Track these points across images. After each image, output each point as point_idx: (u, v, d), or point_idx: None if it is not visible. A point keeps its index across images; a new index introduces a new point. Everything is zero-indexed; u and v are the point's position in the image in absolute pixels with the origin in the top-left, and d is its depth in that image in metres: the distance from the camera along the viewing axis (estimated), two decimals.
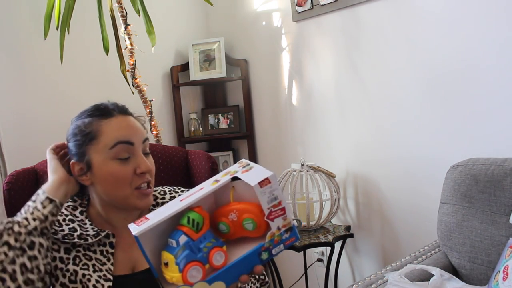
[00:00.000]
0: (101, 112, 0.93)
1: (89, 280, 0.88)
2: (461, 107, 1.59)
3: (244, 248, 0.75)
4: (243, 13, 2.42)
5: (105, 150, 0.90)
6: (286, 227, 0.74)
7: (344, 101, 1.98)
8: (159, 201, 1.03)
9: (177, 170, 1.38)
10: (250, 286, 0.95)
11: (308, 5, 2.03)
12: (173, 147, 1.44)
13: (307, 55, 2.12)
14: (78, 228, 0.92)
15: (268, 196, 0.71)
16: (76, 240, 0.90)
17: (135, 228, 0.71)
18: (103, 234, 0.93)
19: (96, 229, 0.93)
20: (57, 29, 1.74)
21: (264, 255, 0.74)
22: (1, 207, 1.55)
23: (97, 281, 0.88)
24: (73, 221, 0.94)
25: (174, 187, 1.09)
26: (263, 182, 0.70)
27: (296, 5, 2.08)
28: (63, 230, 0.91)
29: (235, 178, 0.75)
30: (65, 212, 0.95)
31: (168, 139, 2.42)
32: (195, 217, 0.72)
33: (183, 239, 0.70)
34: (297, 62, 2.17)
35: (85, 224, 0.94)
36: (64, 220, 0.93)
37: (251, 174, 0.73)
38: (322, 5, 1.96)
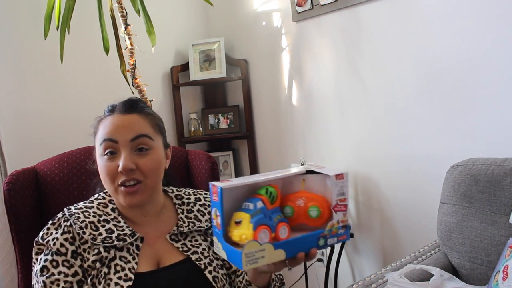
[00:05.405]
0: (107, 111, 1.00)
1: (108, 285, 0.88)
2: (461, 107, 1.59)
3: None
4: (243, 13, 2.42)
5: (98, 146, 0.96)
6: (344, 223, 0.82)
7: (344, 101, 1.98)
8: (185, 200, 1.07)
9: (177, 170, 1.38)
10: (274, 284, 0.97)
11: (308, 5, 2.03)
12: (173, 147, 1.44)
13: (307, 55, 2.12)
14: (115, 229, 0.94)
15: (338, 189, 0.80)
16: (115, 242, 0.92)
17: (220, 184, 0.77)
18: (138, 234, 0.95)
19: (131, 227, 0.96)
20: (57, 29, 1.74)
21: (321, 241, 0.80)
22: (1, 207, 1.55)
23: (116, 283, 0.88)
24: (108, 222, 0.95)
25: (198, 190, 1.14)
26: (339, 176, 0.80)
27: (296, 5, 2.08)
28: (101, 234, 0.92)
29: (308, 172, 0.83)
30: (98, 212, 0.96)
31: (168, 139, 2.40)
32: (272, 190, 0.80)
33: (259, 204, 0.77)
34: (297, 62, 2.17)
35: (120, 222, 0.96)
36: (99, 221, 0.94)
37: (326, 169, 0.82)
38: (322, 5, 1.96)
